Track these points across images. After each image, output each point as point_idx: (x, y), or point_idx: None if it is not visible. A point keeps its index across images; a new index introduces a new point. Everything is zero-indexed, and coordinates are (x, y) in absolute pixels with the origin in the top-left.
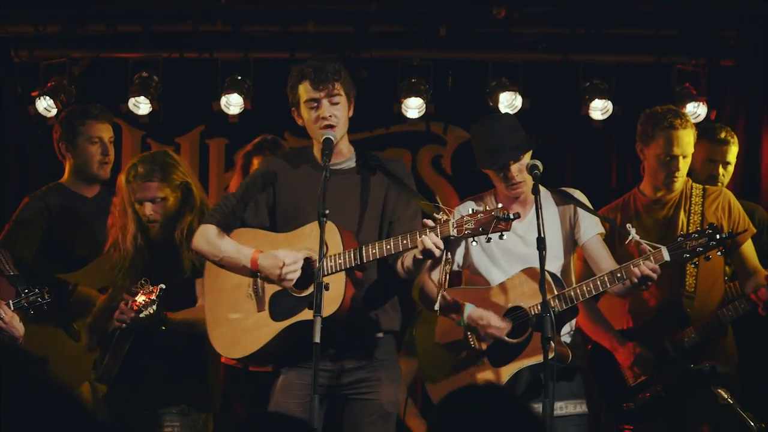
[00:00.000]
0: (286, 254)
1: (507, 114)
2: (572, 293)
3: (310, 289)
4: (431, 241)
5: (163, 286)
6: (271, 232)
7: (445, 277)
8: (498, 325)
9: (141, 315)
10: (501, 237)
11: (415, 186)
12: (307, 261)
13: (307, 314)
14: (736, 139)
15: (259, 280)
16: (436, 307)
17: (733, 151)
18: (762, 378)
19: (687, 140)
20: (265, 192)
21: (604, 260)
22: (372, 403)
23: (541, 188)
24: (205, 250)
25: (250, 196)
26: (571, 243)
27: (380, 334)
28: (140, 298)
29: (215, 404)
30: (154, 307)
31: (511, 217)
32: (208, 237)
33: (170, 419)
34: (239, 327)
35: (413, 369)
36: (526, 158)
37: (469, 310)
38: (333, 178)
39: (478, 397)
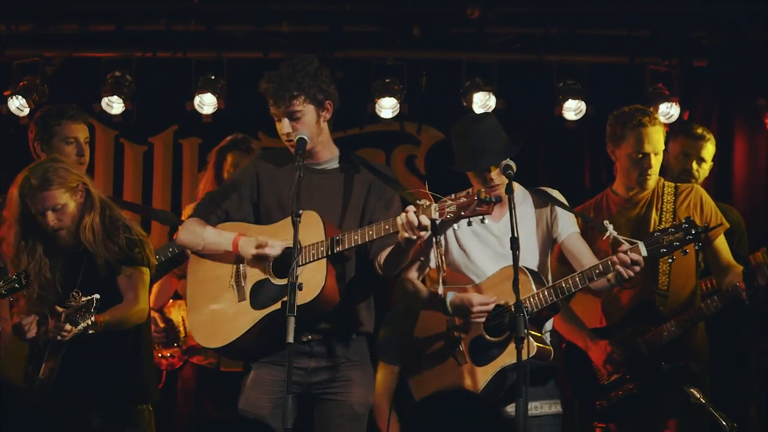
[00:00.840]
0: (264, 237)
1: (489, 114)
2: (551, 291)
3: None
4: (411, 217)
5: (97, 296)
6: (254, 225)
7: (441, 260)
8: (483, 300)
9: (78, 327)
10: (482, 221)
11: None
12: (289, 249)
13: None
14: (713, 139)
15: (240, 271)
16: (440, 290)
17: (708, 149)
18: (733, 377)
19: (657, 137)
20: (249, 188)
21: (585, 256)
22: (342, 404)
23: (519, 187)
24: (189, 240)
25: (235, 192)
26: (549, 242)
27: (352, 335)
28: (74, 309)
29: (153, 394)
30: (92, 319)
31: (493, 199)
32: (191, 228)
33: (110, 418)
34: (219, 317)
35: (395, 375)
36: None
37: (450, 297)
38: (315, 177)
39: (451, 403)
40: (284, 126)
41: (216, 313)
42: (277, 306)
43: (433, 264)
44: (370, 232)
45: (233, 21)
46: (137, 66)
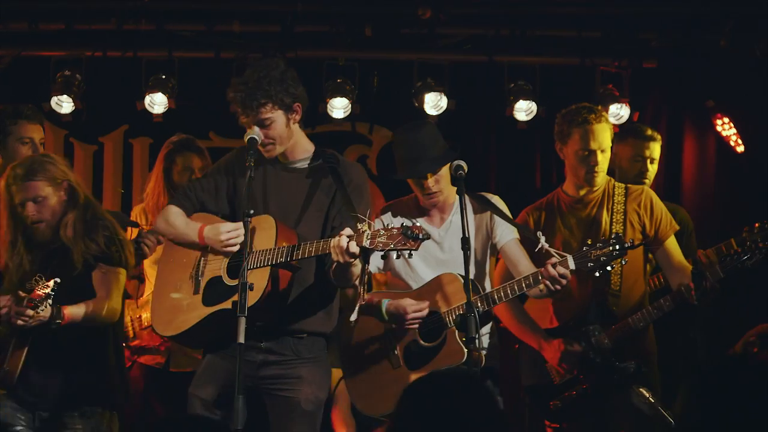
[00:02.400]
0: (226, 224)
1: (427, 123)
2: (485, 299)
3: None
4: (342, 242)
5: (58, 280)
6: (225, 219)
7: (363, 288)
8: (417, 307)
9: (38, 310)
10: (409, 255)
11: (367, 191)
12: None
13: (231, 303)
14: (659, 137)
15: (201, 264)
16: (352, 318)
17: (658, 149)
18: (681, 377)
19: (603, 135)
20: (227, 181)
21: (522, 263)
22: (290, 401)
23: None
24: (163, 228)
25: (212, 183)
26: (489, 248)
27: (303, 334)
28: (36, 293)
29: (119, 403)
30: (49, 301)
31: (421, 237)
32: (166, 216)
33: (71, 422)
34: (176, 306)
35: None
36: (444, 169)
37: (385, 304)
38: (284, 175)
39: (444, 384)
40: (254, 133)
41: (174, 301)
42: (223, 306)
43: (374, 269)
44: (310, 248)
45: (184, 20)
46: (87, 65)
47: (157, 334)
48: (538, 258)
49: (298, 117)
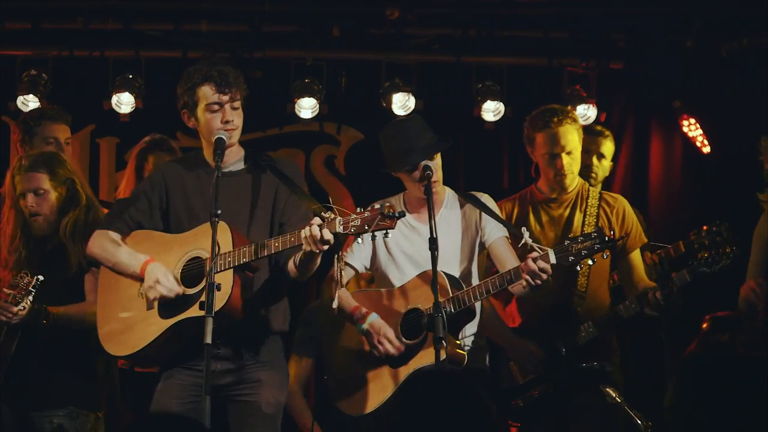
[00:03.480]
0: (164, 274)
1: (415, 115)
2: (466, 295)
3: (197, 288)
4: (315, 231)
5: (41, 278)
6: (165, 233)
7: (340, 275)
8: (392, 341)
9: (18, 307)
10: (385, 235)
11: (307, 186)
12: (198, 260)
13: (192, 312)
14: (611, 136)
15: None
16: (334, 305)
17: (607, 146)
18: (646, 377)
19: (568, 137)
20: (158, 196)
21: (509, 262)
22: (251, 405)
23: (449, 191)
24: (99, 254)
25: (144, 200)
26: (476, 246)
27: (264, 337)
28: (19, 289)
29: (100, 403)
30: (30, 298)
31: (396, 215)
32: (101, 242)
33: (58, 421)
34: (128, 325)
35: (309, 367)
36: (438, 160)
37: (373, 319)
38: (222, 179)
39: (433, 383)
40: (228, 113)
41: (125, 321)
42: (184, 316)
43: (361, 268)
44: (276, 244)
45: (151, 20)
46: (53, 64)
47: (112, 356)
48: (522, 254)
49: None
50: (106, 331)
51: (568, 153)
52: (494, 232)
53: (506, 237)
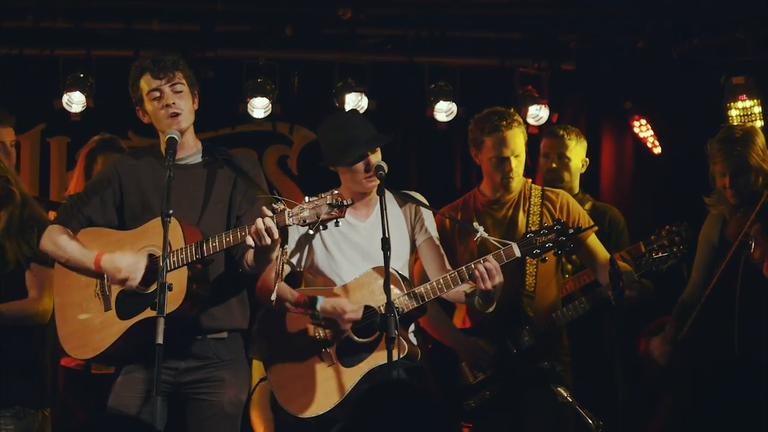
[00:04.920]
0: (126, 259)
1: (354, 110)
2: (423, 292)
3: (154, 287)
4: (262, 225)
5: None
6: (117, 230)
7: (282, 268)
8: (353, 308)
9: None
10: (336, 224)
11: (264, 179)
12: (152, 258)
13: (149, 312)
14: (574, 136)
15: (105, 281)
16: (273, 297)
17: (570, 146)
18: (596, 376)
19: (515, 140)
20: (111, 191)
21: (436, 264)
22: (213, 404)
23: (385, 190)
24: (52, 251)
25: (97, 196)
26: (412, 244)
27: (224, 334)
28: None
29: (46, 400)
30: None
31: (345, 203)
32: (53, 238)
33: (4, 422)
34: (88, 327)
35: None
36: (379, 154)
37: (321, 302)
38: (179, 172)
39: (393, 395)
40: (168, 96)
41: (84, 323)
42: (143, 316)
43: (296, 264)
44: (228, 239)
45: (103, 18)
46: (3, 63)
47: (74, 359)
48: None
49: (195, 106)
50: (66, 334)
51: (516, 156)
52: (426, 232)
53: (437, 237)
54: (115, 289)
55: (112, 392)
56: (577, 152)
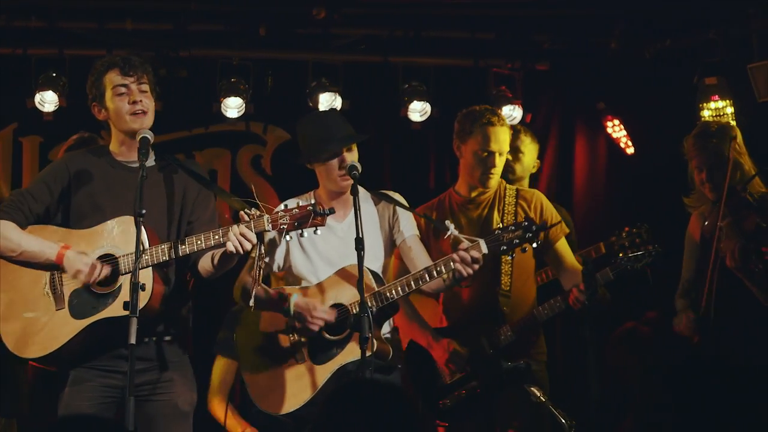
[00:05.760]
0: (88, 258)
1: (333, 109)
2: (391, 290)
3: (114, 286)
4: (242, 232)
5: None
6: (65, 228)
7: (259, 272)
8: (324, 309)
9: None
10: (315, 231)
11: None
12: (109, 257)
13: (110, 311)
14: (529, 135)
15: (56, 278)
16: (251, 303)
17: (525, 142)
18: (572, 375)
19: (503, 138)
20: (60, 188)
21: (422, 259)
22: (166, 404)
23: (361, 190)
24: (3, 245)
25: (46, 192)
26: (390, 243)
27: (169, 336)
28: None
29: (22, 408)
30: None
31: (327, 212)
32: (3, 232)
33: None
34: (35, 326)
35: (233, 369)
36: (355, 153)
37: (296, 298)
38: (130, 175)
39: (364, 392)
40: (135, 94)
41: (29, 321)
42: (101, 316)
43: (275, 268)
44: (199, 242)
45: (75, 18)
46: None
47: (18, 357)
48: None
49: (155, 109)
50: (9, 331)
51: (501, 154)
52: (406, 230)
53: (417, 235)
54: (68, 288)
55: (63, 402)
56: (530, 150)
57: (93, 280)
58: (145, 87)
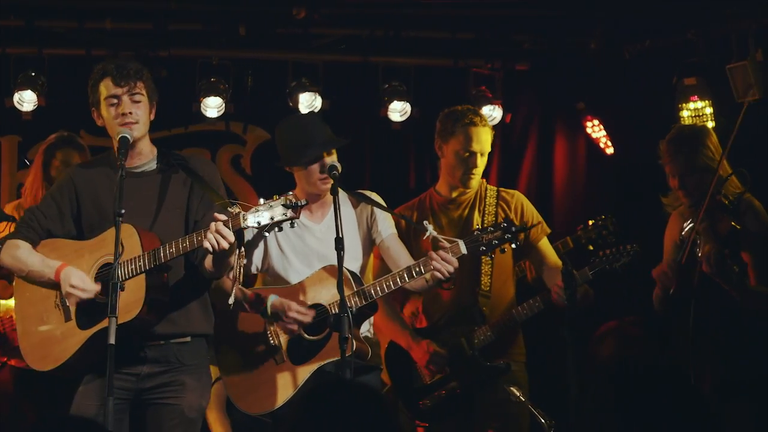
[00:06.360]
0: (80, 277)
1: (311, 112)
2: (371, 290)
3: None
4: (218, 230)
5: None
6: (75, 240)
7: (239, 271)
8: (302, 310)
9: None
10: (291, 225)
11: (221, 182)
12: (110, 266)
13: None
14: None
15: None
16: (230, 301)
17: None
18: (550, 375)
19: (485, 138)
20: (68, 202)
21: (402, 258)
22: (174, 408)
23: (339, 190)
24: (11, 264)
25: (54, 208)
26: (369, 243)
27: (187, 338)
28: None
29: (2, 408)
30: None
31: (299, 204)
32: (12, 252)
33: None
34: (49, 338)
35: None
36: (334, 156)
37: (272, 299)
38: (134, 180)
39: (336, 394)
40: (125, 105)
41: (45, 334)
42: (102, 325)
43: (253, 269)
44: (185, 244)
45: (55, 17)
46: None
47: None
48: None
49: (152, 116)
50: (28, 346)
51: (482, 155)
52: (385, 230)
53: (396, 234)
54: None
55: (74, 402)
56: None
57: (81, 301)
58: (138, 96)
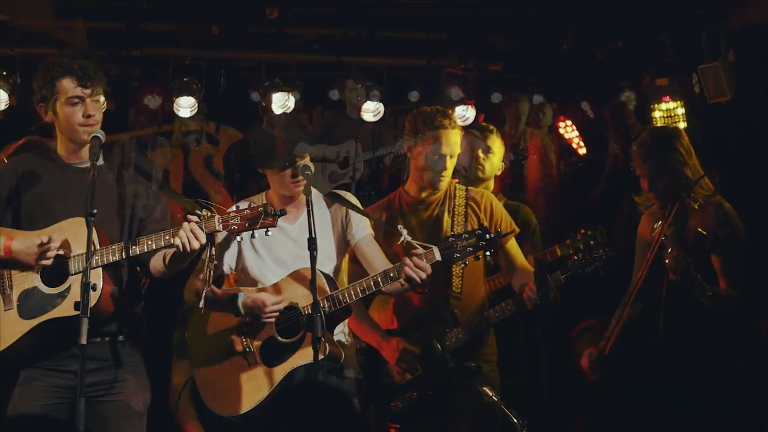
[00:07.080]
0: (33, 235)
1: (284, 114)
2: (345, 294)
3: (63, 286)
4: (192, 229)
5: None
6: (15, 230)
7: (209, 274)
8: (275, 300)
9: None
10: (266, 233)
11: (168, 185)
12: (59, 257)
13: (59, 311)
14: (495, 130)
15: (5, 279)
16: (201, 304)
17: (492, 140)
18: (522, 375)
19: (455, 140)
20: (8, 191)
21: (377, 259)
22: (120, 404)
23: (313, 190)
24: None
25: None
26: (344, 244)
27: (122, 337)
28: None
29: None
30: None
31: (278, 213)
32: None
33: None
34: None
35: (187, 370)
36: (307, 157)
37: (242, 297)
38: (76, 176)
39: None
40: (89, 107)
41: None
42: (49, 316)
43: (227, 269)
44: (150, 242)
45: (27, 16)
46: None
47: None
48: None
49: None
50: None
51: (452, 157)
52: (360, 231)
53: (372, 235)
54: (17, 288)
55: (12, 403)
56: (499, 150)
57: (49, 255)
58: (99, 98)
